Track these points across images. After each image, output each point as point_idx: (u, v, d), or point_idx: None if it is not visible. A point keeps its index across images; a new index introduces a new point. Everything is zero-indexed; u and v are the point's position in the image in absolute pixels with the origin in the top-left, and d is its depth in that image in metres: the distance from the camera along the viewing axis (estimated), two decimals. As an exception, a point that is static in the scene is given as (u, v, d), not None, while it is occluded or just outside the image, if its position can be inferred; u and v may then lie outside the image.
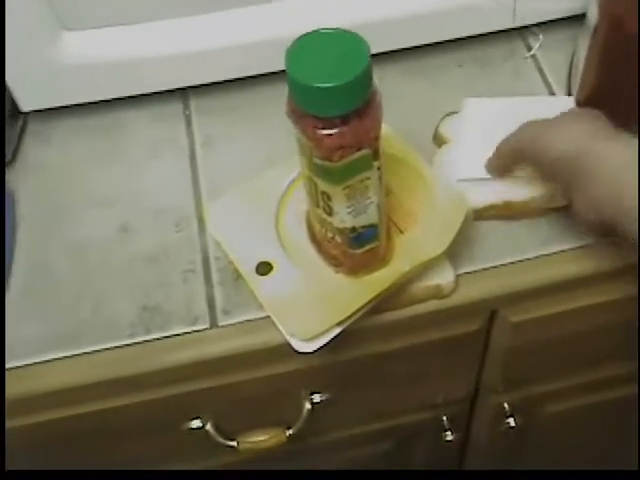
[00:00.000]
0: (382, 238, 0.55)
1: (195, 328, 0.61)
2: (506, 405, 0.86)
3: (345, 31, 0.45)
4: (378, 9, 0.67)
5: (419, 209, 0.59)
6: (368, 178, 0.49)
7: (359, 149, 0.47)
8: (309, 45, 0.45)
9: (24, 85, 0.68)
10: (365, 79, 0.44)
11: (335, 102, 0.44)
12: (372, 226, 0.53)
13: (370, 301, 0.56)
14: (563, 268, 0.63)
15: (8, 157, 0.70)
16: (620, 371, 0.85)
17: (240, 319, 0.61)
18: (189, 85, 0.72)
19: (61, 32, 0.64)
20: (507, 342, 0.73)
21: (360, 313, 0.57)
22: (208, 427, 0.70)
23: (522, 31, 0.75)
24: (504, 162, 0.62)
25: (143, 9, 0.65)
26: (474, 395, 0.84)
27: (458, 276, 0.61)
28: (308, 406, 0.71)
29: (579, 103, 0.66)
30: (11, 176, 0.70)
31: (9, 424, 0.61)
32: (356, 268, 0.56)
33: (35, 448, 0.69)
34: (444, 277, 0.60)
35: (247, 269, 0.58)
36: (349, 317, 0.56)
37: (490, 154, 0.62)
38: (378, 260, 0.56)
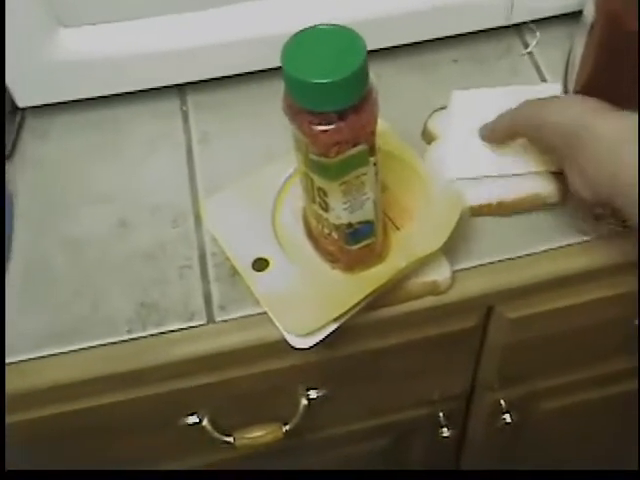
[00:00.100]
0: (378, 234, 0.55)
1: (192, 324, 0.61)
2: (502, 401, 0.86)
3: (341, 27, 0.45)
4: (375, 6, 0.67)
5: (415, 205, 0.59)
6: (364, 174, 0.49)
7: (355, 145, 0.47)
8: (305, 41, 0.45)
9: (21, 81, 0.68)
10: (361, 75, 0.44)
11: (331, 98, 0.44)
12: (368, 222, 0.53)
13: (366, 297, 0.56)
14: (559, 264, 0.63)
15: (6, 153, 0.70)
16: (617, 367, 0.85)
17: (236, 315, 0.61)
18: (186, 81, 0.72)
19: (58, 29, 0.65)
20: (504, 338, 0.73)
21: (356, 309, 0.57)
22: (205, 423, 0.70)
23: (519, 28, 0.76)
24: (500, 136, 0.62)
25: (140, 5, 0.65)
26: (470, 391, 0.84)
27: (454, 272, 0.61)
28: (304, 402, 0.71)
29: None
30: (9, 172, 0.70)
31: (6, 419, 0.62)
32: (352, 264, 0.56)
33: (31, 444, 0.70)
34: (440, 273, 0.60)
35: (244, 265, 0.58)
36: (345, 313, 0.56)
37: (478, 151, 0.62)
38: (374, 256, 0.57)
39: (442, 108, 0.68)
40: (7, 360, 0.59)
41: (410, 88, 0.72)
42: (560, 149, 0.55)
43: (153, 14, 0.66)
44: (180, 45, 0.68)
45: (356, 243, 0.54)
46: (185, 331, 0.61)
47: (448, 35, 0.73)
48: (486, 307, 0.69)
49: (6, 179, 0.69)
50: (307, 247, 0.58)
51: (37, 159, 0.71)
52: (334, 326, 0.56)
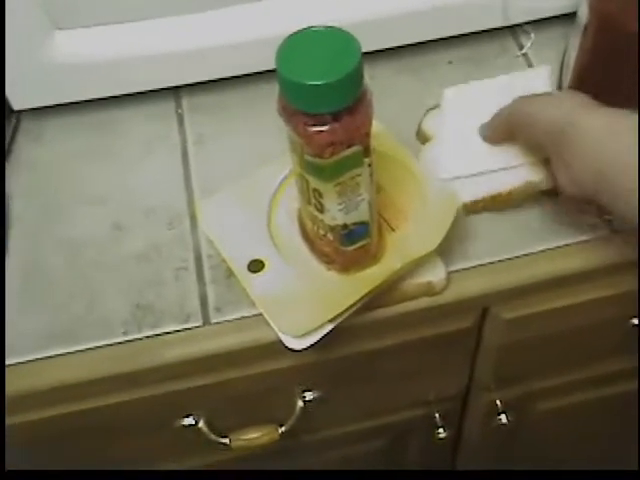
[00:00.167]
0: (373, 235, 0.56)
1: (187, 326, 0.61)
2: (498, 402, 0.86)
3: (336, 29, 0.45)
4: (369, 7, 0.67)
5: (410, 206, 0.59)
6: (359, 175, 0.49)
7: (350, 146, 0.47)
8: (300, 43, 0.45)
9: (16, 84, 0.68)
10: (356, 76, 0.44)
11: (326, 99, 0.44)
12: (363, 223, 0.53)
13: (362, 298, 0.57)
14: (555, 264, 0.63)
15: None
16: (614, 368, 0.85)
17: (232, 317, 0.61)
18: (181, 84, 0.72)
19: (53, 31, 0.65)
20: (500, 339, 0.73)
21: (352, 310, 0.57)
22: (201, 424, 0.70)
23: (514, 29, 0.76)
24: (497, 135, 0.62)
25: (135, 8, 0.65)
26: (466, 392, 0.84)
27: (450, 273, 0.61)
28: (300, 404, 0.71)
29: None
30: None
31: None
32: (348, 265, 0.56)
33: (27, 446, 0.70)
34: (435, 274, 0.60)
35: (239, 267, 0.58)
36: (341, 314, 0.56)
37: (472, 148, 0.62)
38: (369, 257, 0.57)
39: (435, 107, 0.68)
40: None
41: (405, 89, 0.73)
42: (547, 146, 0.56)
43: (148, 17, 0.66)
44: (175, 47, 0.68)
45: (351, 244, 0.55)
46: (181, 333, 0.61)
47: (443, 37, 0.73)
48: (481, 308, 0.69)
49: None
50: (302, 248, 0.58)
51: (32, 161, 0.71)
52: (329, 327, 0.56)
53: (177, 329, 0.61)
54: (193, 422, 0.70)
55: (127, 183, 0.69)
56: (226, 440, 0.71)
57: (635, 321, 0.74)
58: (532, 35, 0.75)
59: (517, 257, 0.63)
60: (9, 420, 0.62)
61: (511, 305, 0.68)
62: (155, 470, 0.79)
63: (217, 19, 0.66)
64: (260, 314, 0.58)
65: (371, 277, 0.57)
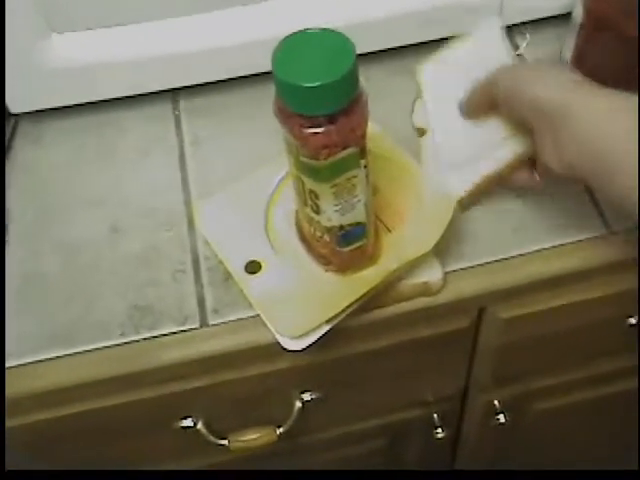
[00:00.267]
0: (370, 236, 0.56)
1: (185, 327, 0.61)
2: (496, 402, 0.86)
3: (331, 31, 0.45)
4: (364, 9, 0.67)
5: (407, 207, 0.59)
6: (355, 176, 0.49)
7: (345, 147, 0.47)
8: (295, 45, 0.45)
9: (14, 87, 0.68)
10: (351, 78, 0.44)
11: (321, 101, 0.44)
12: (360, 224, 0.53)
13: (359, 299, 0.57)
14: (550, 265, 0.64)
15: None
16: (611, 367, 0.85)
17: (230, 318, 0.61)
18: (178, 86, 0.72)
19: (50, 34, 0.65)
20: (497, 339, 0.73)
21: (349, 311, 0.57)
22: (199, 426, 0.70)
23: (509, 30, 0.76)
24: (475, 110, 0.60)
25: (131, 11, 0.65)
26: (464, 392, 0.85)
27: (446, 273, 0.62)
28: (299, 405, 0.72)
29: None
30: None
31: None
32: (344, 266, 0.57)
33: (25, 448, 0.70)
34: (432, 275, 0.61)
35: (236, 268, 0.58)
36: (338, 315, 0.56)
37: (463, 130, 0.61)
38: (366, 258, 0.57)
39: (419, 96, 0.65)
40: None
41: (400, 91, 0.72)
42: (532, 123, 0.54)
43: (145, 19, 0.66)
44: (172, 50, 0.68)
45: (348, 245, 0.55)
46: (178, 334, 0.61)
47: (438, 38, 0.73)
48: (478, 308, 0.69)
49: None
50: (300, 250, 0.58)
51: (30, 164, 0.71)
52: (327, 328, 0.56)
53: (175, 331, 0.61)
54: (192, 424, 0.70)
55: (124, 185, 0.69)
56: (225, 441, 0.72)
57: (632, 320, 0.74)
58: (527, 36, 0.75)
59: (513, 257, 0.63)
60: (7, 423, 0.62)
61: (508, 305, 0.68)
62: (154, 470, 0.79)
63: (213, 21, 0.66)
64: (257, 315, 0.58)
65: (368, 278, 0.57)
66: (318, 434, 0.81)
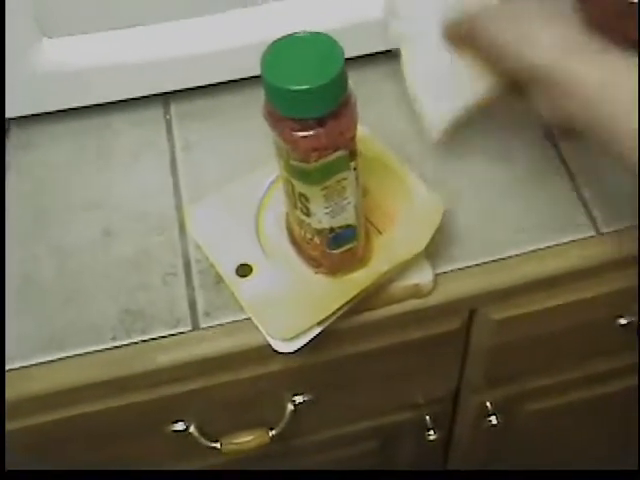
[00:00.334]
0: (360, 238, 0.56)
1: (177, 331, 0.61)
2: (488, 404, 0.86)
3: (319, 34, 0.45)
4: (355, 13, 0.68)
5: (397, 209, 0.60)
6: (345, 179, 0.50)
7: (335, 150, 0.47)
8: (284, 49, 0.45)
9: (5, 92, 0.68)
10: (340, 81, 0.45)
11: (310, 104, 0.44)
12: (350, 226, 0.54)
13: (350, 301, 0.57)
14: (542, 265, 0.64)
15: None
16: (604, 368, 0.85)
17: (221, 321, 0.61)
18: (169, 90, 0.73)
19: (42, 39, 0.65)
20: (489, 340, 0.73)
21: (340, 313, 0.57)
22: (191, 429, 0.70)
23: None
24: (457, 41, 0.57)
25: (123, 15, 0.65)
26: (456, 394, 0.85)
27: (437, 275, 0.62)
28: (291, 407, 0.72)
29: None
30: (-7, 182, 0.70)
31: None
32: (335, 268, 0.57)
33: (19, 452, 0.69)
34: (423, 276, 0.61)
35: (227, 271, 0.58)
36: (329, 317, 0.56)
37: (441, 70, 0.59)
38: (357, 260, 0.57)
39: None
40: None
41: (392, 94, 0.73)
42: (520, 78, 0.52)
43: (136, 24, 0.66)
44: (163, 54, 0.68)
45: (338, 247, 0.55)
46: (170, 338, 0.61)
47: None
48: (469, 309, 0.69)
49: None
50: (290, 252, 0.59)
51: (22, 169, 0.71)
52: (318, 330, 0.56)
53: (166, 334, 0.61)
54: (184, 427, 0.70)
55: (116, 189, 0.69)
56: (217, 444, 0.72)
57: (623, 320, 0.74)
58: None
59: (504, 258, 0.63)
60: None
61: (499, 306, 0.69)
62: (151, 470, 0.79)
63: (204, 26, 0.66)
64: (249, 318, 0.58)
65: (358, 280, 0.57)
66: (310, 436, 0.81)
